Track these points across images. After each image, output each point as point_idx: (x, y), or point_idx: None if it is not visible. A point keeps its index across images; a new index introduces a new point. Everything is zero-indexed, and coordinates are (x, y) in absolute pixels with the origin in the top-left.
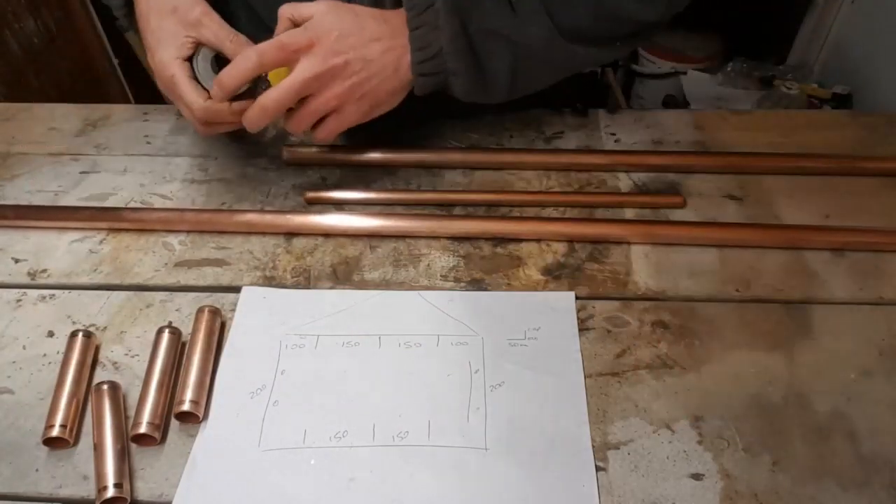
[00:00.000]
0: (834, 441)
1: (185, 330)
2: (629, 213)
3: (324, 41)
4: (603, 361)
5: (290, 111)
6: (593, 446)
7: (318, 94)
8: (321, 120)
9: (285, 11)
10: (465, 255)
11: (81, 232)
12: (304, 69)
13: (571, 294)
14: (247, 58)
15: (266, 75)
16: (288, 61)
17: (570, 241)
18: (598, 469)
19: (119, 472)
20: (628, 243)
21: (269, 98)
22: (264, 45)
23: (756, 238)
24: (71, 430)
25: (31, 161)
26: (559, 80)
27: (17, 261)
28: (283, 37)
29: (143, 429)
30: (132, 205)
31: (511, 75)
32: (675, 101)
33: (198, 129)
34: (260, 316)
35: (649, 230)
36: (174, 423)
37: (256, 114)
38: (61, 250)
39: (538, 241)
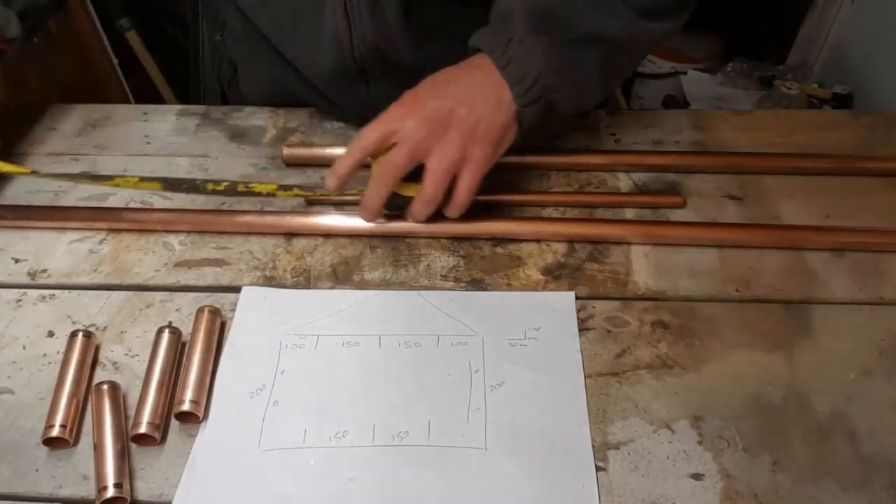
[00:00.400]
0: (834, 441)
1: (185, 330)
2: (629, 214)
3: (422, 102)
4: (603, 361)
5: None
6: (593, 446)
7: (438, 149)
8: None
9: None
10: (465, 255)
11: (81, 232)
12: (413, 129)
13: (571, 294)
14: (352, 144)
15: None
16: (391, 134)
17: (570, 241)
18: (598, 469)
19: (119, 472)
20: (628, 243)
21: (386, 163)
22: (364, 129)
23: (756, 238)
24: (71, 430)
25: (31, 161)
26: (636, 68)
27: (17, 261)
28: (380, 116)
29: (143, 429)
30: (132, 205)
31: (603, 74)
32: (675, 101)
33: None
34: (260, 316)
35: (649, 230)
36: (174, 423)
37: (375, 184)
38: (61, 250)
39: (538, 241)
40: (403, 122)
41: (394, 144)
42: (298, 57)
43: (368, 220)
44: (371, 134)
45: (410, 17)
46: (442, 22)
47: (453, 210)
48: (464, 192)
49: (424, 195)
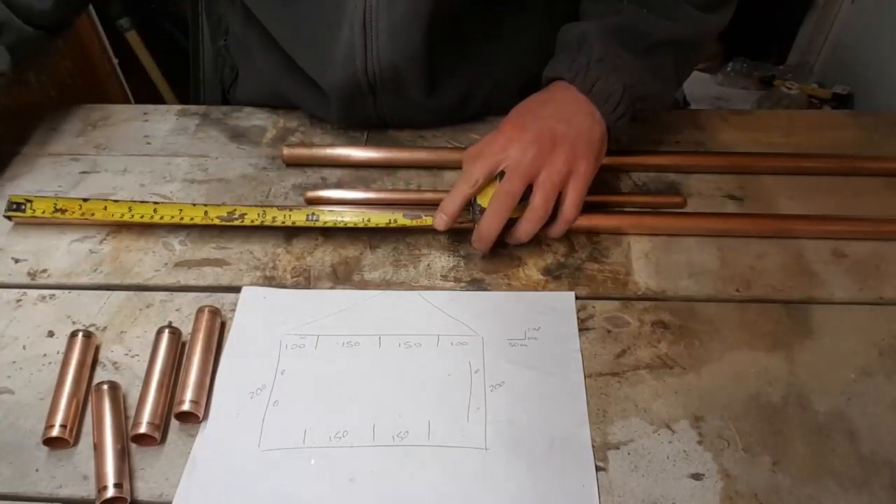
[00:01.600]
0: (834, 441)
1: (185, 330)
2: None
3: (521, 126)
4: (603, 361)
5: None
6: (593, 446)
7: (546, 166)
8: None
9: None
10: (465, 256)
11: (81, 232)
12: (520, 156)
13: (571, 294)
14: (459, 182)
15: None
16: (497, 166)
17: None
18: (598, 469)
19: (119, 472)
20: (626, 233)
21: (501, 193)
22: (468, 166)
23: (750, 227)
24: (71, 430)
25: (32, 161)
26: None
27: (17, 261)
28: (475, 148)
29: (143, 429)
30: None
31: (678, 74)
32: (675, 102)
33: None
34: (260, 316)
35: (647, 221)
36: (174, 423)
37: (492, 215)
38: (61, 250)
39: (538, 240)
40: (507, 151)
41: (500, 174)
42: (307, 64)
43: (484, 250)
44: (478, 170)
45: (431, 37)
46: (460, 42)
47: (560, 226)
48: (571, 206)
49: (534, 213)
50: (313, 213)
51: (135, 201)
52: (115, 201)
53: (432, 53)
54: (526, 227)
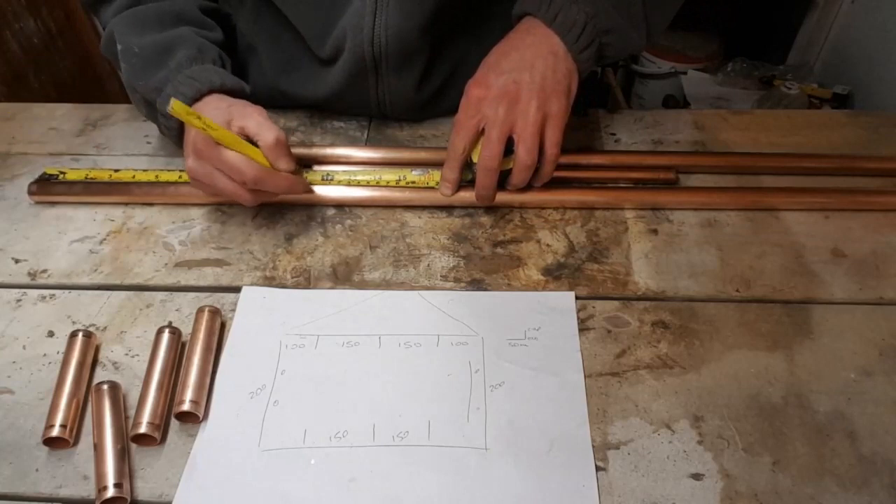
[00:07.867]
0: (834, 441)
1: (185, 330)
2: (628, 214)
3: (486, 85)
4: (603, 361)
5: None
6: (593, 446)
7: (519, 118)
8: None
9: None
10: (465, 256)
11: (82, 231)
12: (491, 115)
13: (571, 294)
14: (448, 153)
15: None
16: (476, 127)
17: (563, 207)
18: (598, 469)
19: (119, 472)
20: (621, 208)
21: (486, 157)
22: (451, 138)
23: (734, 201)
24: (71, 430)
25: (31, 161)
26: (676, 9)
27: (17, 261)
28: (457, 119)
29: (143, 429)
30: (132, 204)
31: (645, 12)
32: (675, 101)
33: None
34: (260, 316)
35: (637, 196)
36: (174, 423)
37: (483, 176)
38: (61, 250)
39: (538, 241)
40: (480, 111)
41: (482, 131)
42: (315, 41)
43: (488, 204)
44: (461, 140)
45: (438, 9)
46: (462, 17)
47: (547, 167)
48: (552, 145)
49: (521, 163)
50: (328, 174)
51: (161, 170)
52: (144, 171)
53: (438, 24)
54: (519, 177)
